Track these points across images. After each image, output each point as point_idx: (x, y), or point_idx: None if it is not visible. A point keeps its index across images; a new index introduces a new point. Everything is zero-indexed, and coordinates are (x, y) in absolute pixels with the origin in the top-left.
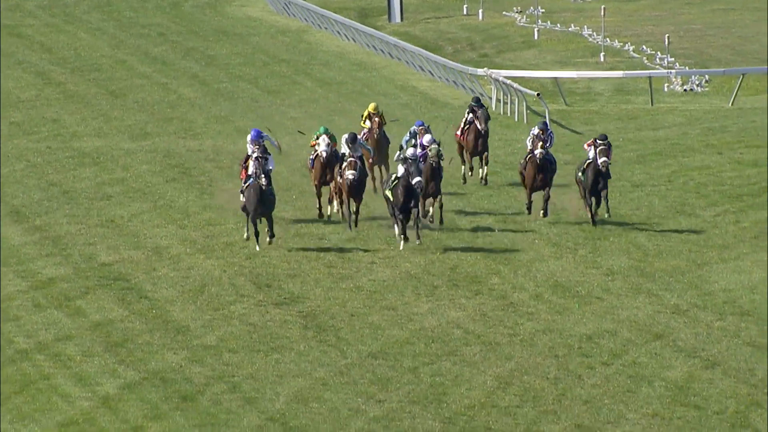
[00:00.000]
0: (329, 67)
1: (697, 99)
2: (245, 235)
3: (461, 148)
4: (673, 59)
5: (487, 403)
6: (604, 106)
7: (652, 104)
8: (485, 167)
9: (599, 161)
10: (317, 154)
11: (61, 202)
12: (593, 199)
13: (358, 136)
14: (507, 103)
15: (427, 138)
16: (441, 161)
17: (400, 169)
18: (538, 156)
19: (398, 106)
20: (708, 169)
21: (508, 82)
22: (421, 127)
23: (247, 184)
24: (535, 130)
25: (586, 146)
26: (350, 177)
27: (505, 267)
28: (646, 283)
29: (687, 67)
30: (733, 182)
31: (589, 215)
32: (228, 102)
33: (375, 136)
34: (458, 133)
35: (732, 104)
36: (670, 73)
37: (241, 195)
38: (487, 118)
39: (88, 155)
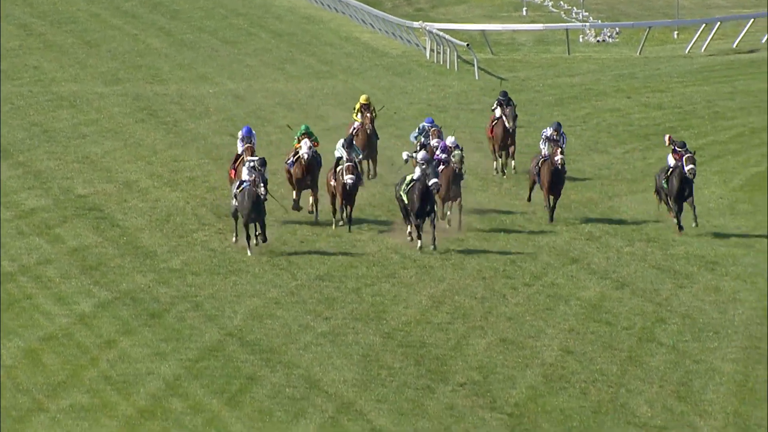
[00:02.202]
0: (281, 20)
1: (609, 49)
2: (234, 239)
3: (493, 145)
4: (587, 13)
5: (422, 320)
6: (526, 56)
7: (568, 53)
8: (512, 161)
9: (686, 168)
10: (298, 156)
11: (42, 141)
12: (677, 206)
13: (350, 131)
14: (440, 53)
15: (450, 140)
16: (463, 168)
17: (417, 171)
18: (558, 162)
19: (343, 55)
20: (618, 112)
21: (441, 34)
22: (431, 126)
23: (240, 188)
24: (548, 131)
25: (671, 157)
26: (349, 181)
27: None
28: (563, 213)
29: (600, 21)
30: (641, 123)
31: (675, 222)
32: (191, 51)
33: (367, 130)
34: (488, 129)
35: (640, 53)
36: (585, 25)
37: (234, 199)
38: (515, 117)
39: (66, 98)
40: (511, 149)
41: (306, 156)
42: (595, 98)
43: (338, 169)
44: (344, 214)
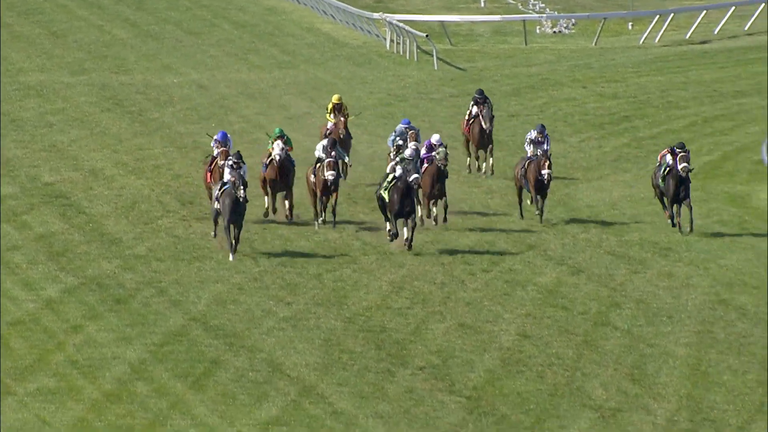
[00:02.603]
0: (244, 11)
1: (565, 40)
2: (213, 234)
3: (467, 140)
4: (544, 5)
5: (382, 305)
6: (484, 46)
7: (526, 44)
8: (491, 159)
9: (679, 167)
10: (271, 159)
11: (9, 129)
12: (675, 207)
13: (323, 132)
14: (399, 43)
15: (435, 137)
16: (447, 165)
17: (398, 170)
18: (545, 178)
19: (305, 45)
20: (574, 101)
21: (401, 24)
22: (407, 127)
23: (222, 190)
24: (533, 134)
25: (663, 155)
26: (330, 177)
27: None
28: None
29: (556, 12)
30: (596, 112)
31: (670, 222)
32: (155, 42)
33: (341, 134)
34: (464, 126)
35: (595, 44)
36: (542, 17)
37: (216, 202)
38: (492, 117)
39: (33, 88)
40: (489, 147)
41: (278, 157)
42: (551, 88)
43: (318, 166)
44: (323, 215)
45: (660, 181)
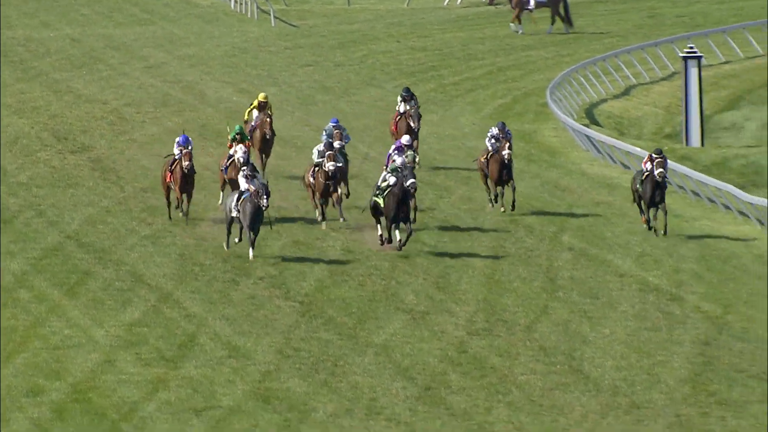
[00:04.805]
0: None
1: (382, 1)
2: (226, 246)
3: (395, 138)
4: None
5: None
6: (314, 7)
7: (349, 5)
8: (417, 155)
9: (656, 172)
10: (232, 160)
11: None
12: (652, 210)
13: (248, 130)
14: (242, 4)
15: (405, 138)
16: (416, 167)
17: (391, 179)
18: (506, 157)
19: (161, 5)
20: (390, 53)
21: None
22: (335, 126)
23: (242, 200)
24: (494, 131)
25: (645, 162)
26: (332, 168)
27: None
28: None
29: None
30: (408, 63)
31: (646, 225)
32: (35, 1)
33: (267, 134)
34: (392, 125)
35: (407, 5)
36: None
37: (235, 210)
38: (419, 117)
39: None
40: (415, 143)
41: (242, 161)
42: (370, 42)
43: (316, 169)
44: (323, 210)
45: (638, 185)
